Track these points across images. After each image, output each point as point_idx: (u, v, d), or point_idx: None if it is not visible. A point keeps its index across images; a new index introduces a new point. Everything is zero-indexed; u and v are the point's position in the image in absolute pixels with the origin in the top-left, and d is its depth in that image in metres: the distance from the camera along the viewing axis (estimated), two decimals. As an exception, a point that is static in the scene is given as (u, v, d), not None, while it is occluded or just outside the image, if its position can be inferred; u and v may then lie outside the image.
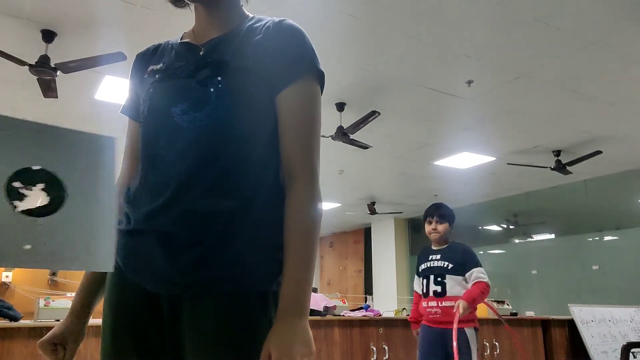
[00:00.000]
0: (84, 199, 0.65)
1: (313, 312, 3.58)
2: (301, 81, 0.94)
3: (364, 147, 5.35)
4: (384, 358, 3.63)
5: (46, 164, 0.65)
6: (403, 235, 10.61)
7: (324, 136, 5.14)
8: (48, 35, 3.60)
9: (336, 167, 7.05)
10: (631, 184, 7.11)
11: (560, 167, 6.22)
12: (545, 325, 4.56)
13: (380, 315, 3.99)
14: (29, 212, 0.61)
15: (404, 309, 5.30)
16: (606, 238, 7.41)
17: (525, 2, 3.30)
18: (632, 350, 3.23)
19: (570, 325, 4.53)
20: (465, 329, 2.85)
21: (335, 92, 4.64)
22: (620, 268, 7.00)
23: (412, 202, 9.22)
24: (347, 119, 4.96)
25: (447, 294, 2.95)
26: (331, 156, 6.46)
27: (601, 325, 4.50)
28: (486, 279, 2.93)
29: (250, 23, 1.00)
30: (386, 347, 3.66)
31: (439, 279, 2.99)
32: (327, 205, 9.49)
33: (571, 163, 6.09)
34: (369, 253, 11.21)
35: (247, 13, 1.05)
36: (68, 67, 3.62)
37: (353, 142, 5.17)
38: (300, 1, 3.29)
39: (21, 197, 0.61)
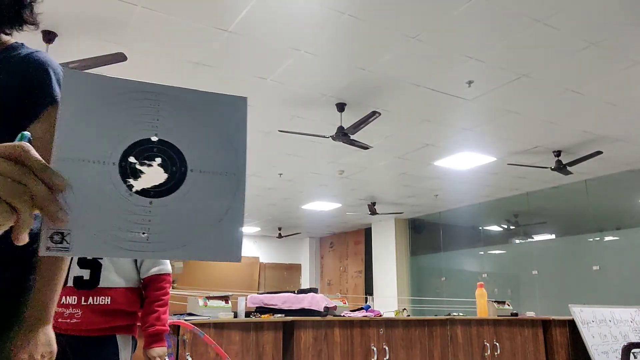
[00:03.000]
0: (208, 175, 0.55)
1: (314, 313, 3.57)
2: (47, 113, 0.99)
3: (365, 147, 5.35)
4: (385, 358, 3.63)
5: (165, 132, 0.54)
6: (404, 235, 10.61)
7: (324, 136, 5.14)
8: (49, 36, 3.61)
9: (336, 168, 7.05)
10: (631, 184, 7.11)
11: (561, 168, 6.22)
12: (546, 325, 4.56)
13: (380, 315, 3.98)
14: (145, 193, 0.52)
15: (405, 309, 5.31)
16: (607, 238, 7.40)
17: (525, 2, 3.30)
18: (633, 350, 3.22)
19: (571, 326, 4.52)
20: (118, 335, 1.87)
21: (335, 92, 4.64)
22: (621, 268, 7.00)
23: (413, 203, 9.22)
24: (348, 120, 4.96)
25: (100, 285, 1.86)
26: (331, 156, 6.46)
27: (602, 325, 4.50)
28: (168, 268, 1.97)
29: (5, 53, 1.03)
30: (387, 348, 3.65)
31: (87, 259, 1.87)
32: (327, 206, 9.49)
33: (572, 163, 6.09)
34: (370, 253, 11.21)
35: (7, 39, 1.06)
36: (68, 68, 3.62)
37: (353, 143, 5.16)
38: (301, 1, 3.29)
39: (137, 174, 0.52)
